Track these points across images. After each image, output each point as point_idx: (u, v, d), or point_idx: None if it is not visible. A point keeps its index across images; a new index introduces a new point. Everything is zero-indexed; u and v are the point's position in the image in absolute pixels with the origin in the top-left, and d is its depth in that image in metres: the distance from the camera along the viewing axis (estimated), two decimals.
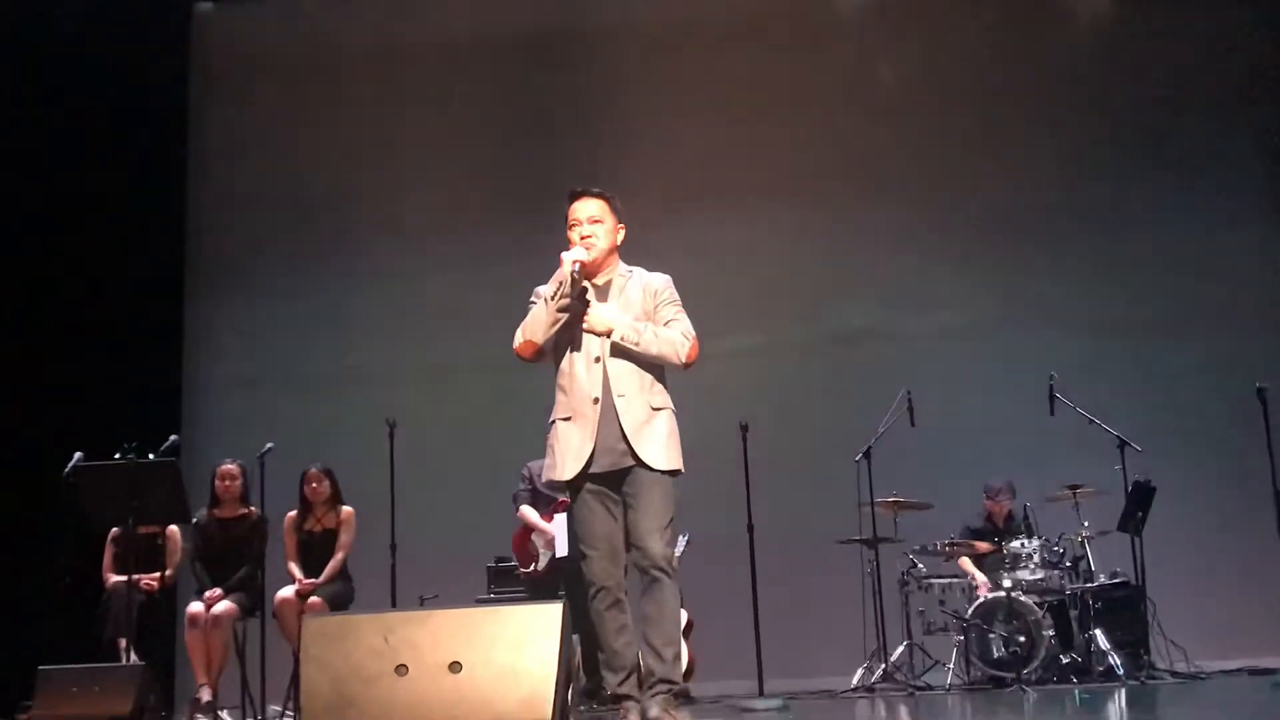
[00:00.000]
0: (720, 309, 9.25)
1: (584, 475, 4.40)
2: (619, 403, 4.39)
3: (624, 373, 4.43)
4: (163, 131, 10.04)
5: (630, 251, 4.69)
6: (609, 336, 4.41)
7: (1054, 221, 9.57)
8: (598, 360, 4.44)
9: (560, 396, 4.51)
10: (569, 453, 4.41)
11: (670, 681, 4.26)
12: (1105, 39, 9.72)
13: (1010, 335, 9.35)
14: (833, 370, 9.48)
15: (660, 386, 4.51)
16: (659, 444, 4.40)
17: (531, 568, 7.66)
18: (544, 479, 4.65)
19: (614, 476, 4.41)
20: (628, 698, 4.34)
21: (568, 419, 4.45)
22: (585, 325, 4.45)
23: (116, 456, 6.66)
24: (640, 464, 4.37)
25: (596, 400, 4.40)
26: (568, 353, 4.49)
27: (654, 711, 4.19)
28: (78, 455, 6.69)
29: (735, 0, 10.11)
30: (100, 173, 9.54)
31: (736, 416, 7.58)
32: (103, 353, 9.27)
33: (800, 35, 10.00)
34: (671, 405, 4.51)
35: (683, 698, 7.62)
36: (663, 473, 4.40)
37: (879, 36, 9.99)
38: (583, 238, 4.53)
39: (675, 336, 4.48)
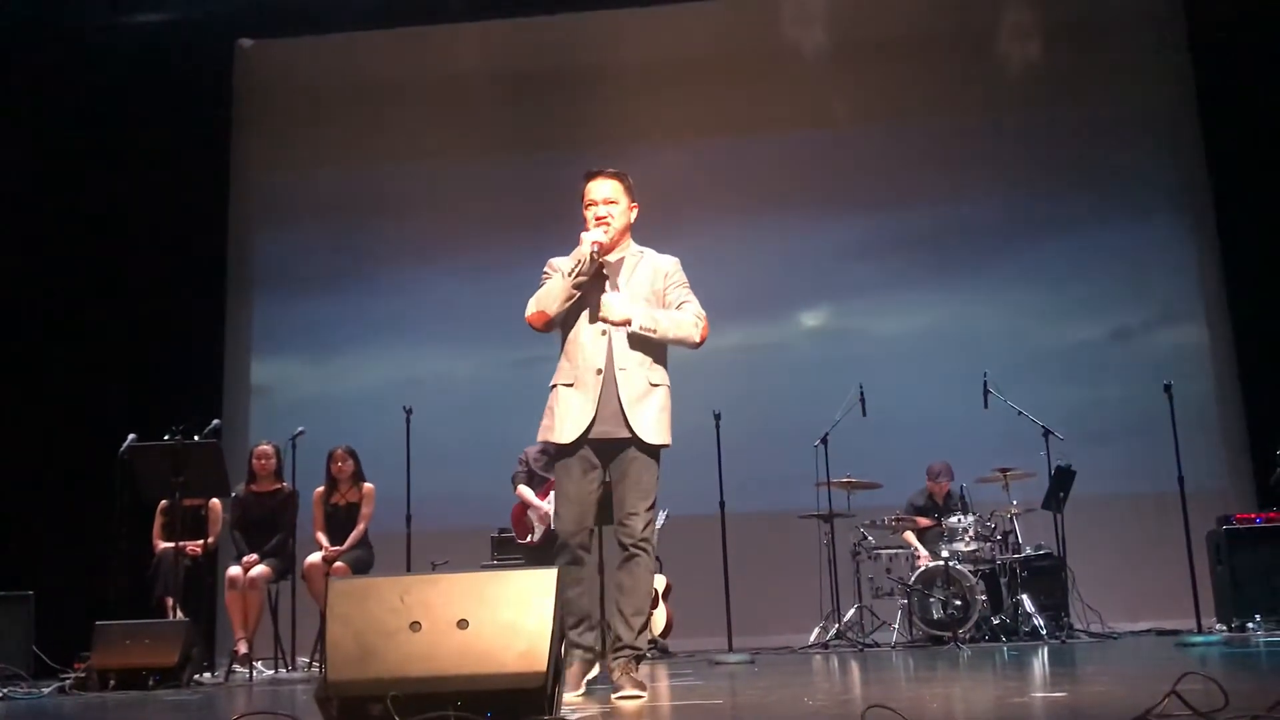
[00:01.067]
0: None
1: (580, 441, 4.12)
2: (620, 375, 4.11)
3: (628, 348, 4.15)
4: (208, 151, 10.05)
5: None
6: (627, 326, 4.11)
7: (991, 235, 9.62)
8: (604, 334, 4.15)
9: (564, 363, 4.22)
10: (569, 416, 4.13)
11: (635, 648, 4.09)
12: (1037, 74, 9.75)
13: (950, 336, 9.38)
14: (796, 366, 9.51)
15: (660, 364, 4.22)
16: (652, 418, 4.12)
17: (528, 539, 7.67)
18: (540, 439, 4.25)
19: (607, 445, 4.14)
20: (576, 646, 4.13)
21: (570, 385, 4.17)
22: (602, 315, 4.12)
23: (165, 438, 6.64)
24: (634, 437, 4.11)
25: (599, 371, 4.12)
26: (577, 323, 4.20)
27: (615, 673, 4.05)
28: (131, 436, 6.68)
29: (712, 40, 10.11)
30: (153, 187, 9.54)
31: (711, 406, 7.60)
32: (154, 347, 9.28)
33: (770, 71, 10.00)
34: (668, 382, 4.23)
35: (662, 653, 7.68)
36: (653, 448, 4.14)
37: (838, 73, 10.00)
38: (598, 218, 4.23)
39: (688, 319, 4.21)
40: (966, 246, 9.58)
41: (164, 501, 7.36)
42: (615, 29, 10.22)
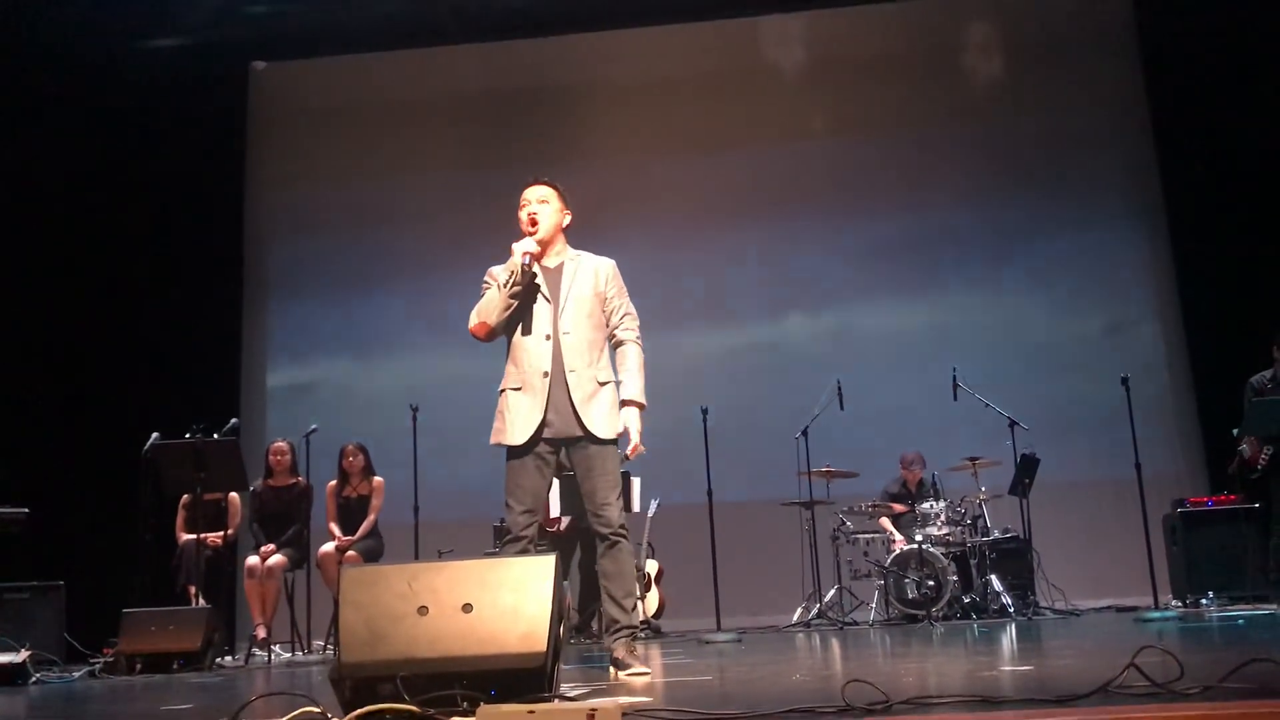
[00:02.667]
0: (687, 315, 9.30)
1: (532, 441, 4.07)
2: (570, 377, 4.04)
3: (574, 349, 4.07)
4: (225, 165, 10.03)
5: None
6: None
7: (960, 241, 9.61)
8: (548, 338, 4.08)
9: (511, 368, 4.15)
10: (518, 419, 4.08)
11: (631, 627, 4.06)
12: (1001, 90, 9.77)
13: (922, 335, 9.38)
14: (777, 364, 9.49)
15: (605, 361, 4.16)
16: (604, 415, 4.06)
17: (554, 527, 7.57)
18: (492, 442, 4.18)
19: (561, 443, 4.10)
20: None
21: (518, 389, 4.11)
22: (633, 454, 4.08)
23: (187, 436, 6.63)
24: (587, 434, 4.05)
25: (546, 374, 4.05)
26: (519, 329, 4.13)
27: (619, 652, 4.01)
28: (155, 435, 6.65)
29: (696, 59, 10.09)
30: (174, 201, 9.54)
31: (699, 402, 7.59)
32: (176, 351, 9.26)
33: (751, 88, 9.99)
34: (614, 378, 4.15)
35: (654, 633, 7.67)
36: (607, 442, 4.08)
37: (816, 90, 10.00)
38: (530, 214, 4.17)
39: (638, 352, 4.20)
40: (937, 252, 9.57)
41: (186, 496, 7.37)
42: (605, 49, 10.20)
